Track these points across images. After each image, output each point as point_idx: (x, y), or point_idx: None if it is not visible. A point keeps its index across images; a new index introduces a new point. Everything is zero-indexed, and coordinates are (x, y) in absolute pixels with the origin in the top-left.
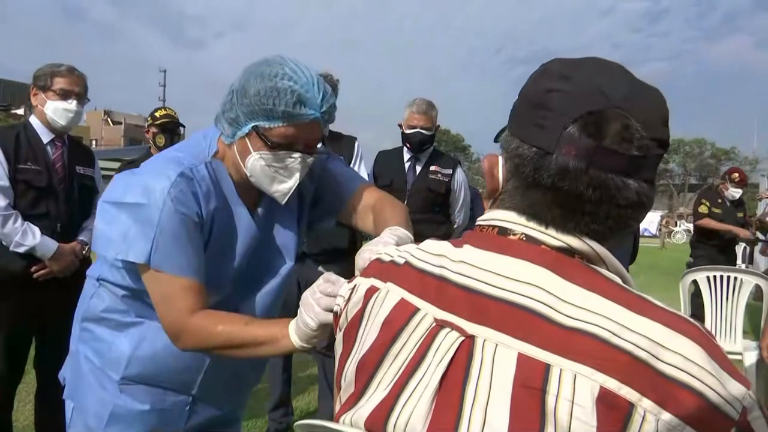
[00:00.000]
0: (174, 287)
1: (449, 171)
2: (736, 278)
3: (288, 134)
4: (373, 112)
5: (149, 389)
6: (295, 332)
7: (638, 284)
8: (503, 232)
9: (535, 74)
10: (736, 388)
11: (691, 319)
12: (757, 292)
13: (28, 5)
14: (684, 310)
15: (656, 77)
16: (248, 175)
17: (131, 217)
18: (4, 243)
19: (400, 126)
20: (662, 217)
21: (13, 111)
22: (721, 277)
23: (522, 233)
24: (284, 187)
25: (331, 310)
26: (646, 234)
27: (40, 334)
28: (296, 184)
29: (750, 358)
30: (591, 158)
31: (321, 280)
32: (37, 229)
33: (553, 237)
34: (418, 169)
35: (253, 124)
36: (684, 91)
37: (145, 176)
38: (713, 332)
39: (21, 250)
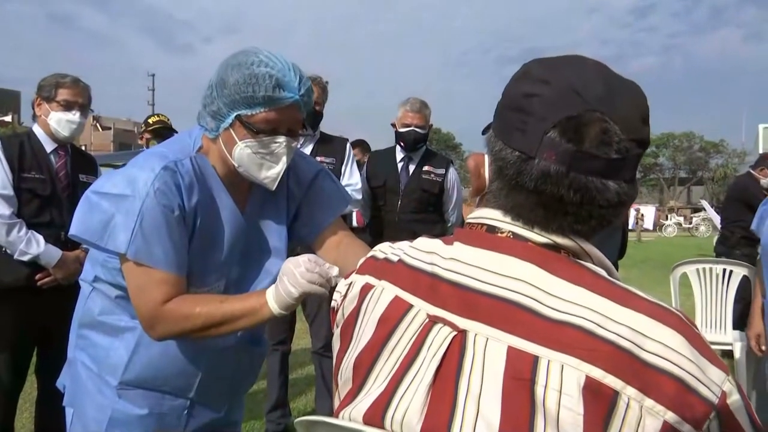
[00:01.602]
0: (149, 279)
1: (442, 171)
2: (725, 270)
3: (270, 119)
4: (364, 113)
5: (147, 394)
6: (274, 300)
7: (630, 278)
8: (492, 229)
9: (517, 75)
10: (715, 373)
11: (674, 309)
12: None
13: (15, 12)
14: (675, 303)
15: (645, 72)
16: (236, 165)
17: (113, 206)
18: (8, 251)
19: (394, 125)
20: (637, 211)
21: (1, 118)
22: (711, 269)
23: (510, 231)
24: (273, 172)
25: (314, 283)
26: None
27: (43, 342)
28: (284, 169)
29: (740, 349)
30: (571, 162)
31: (305, 257)
32: (41, 238)
33: (539, 234)
34: (411, 168)
35: (235, 114)
36: (673, 86)
37: (130, 169)
38: (703, 324)
39: (25, 258)
